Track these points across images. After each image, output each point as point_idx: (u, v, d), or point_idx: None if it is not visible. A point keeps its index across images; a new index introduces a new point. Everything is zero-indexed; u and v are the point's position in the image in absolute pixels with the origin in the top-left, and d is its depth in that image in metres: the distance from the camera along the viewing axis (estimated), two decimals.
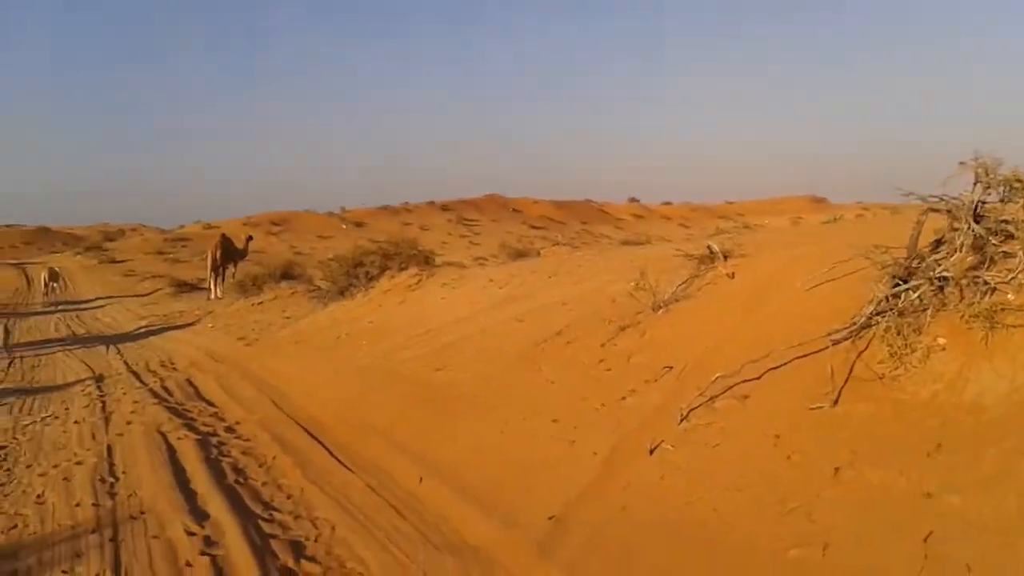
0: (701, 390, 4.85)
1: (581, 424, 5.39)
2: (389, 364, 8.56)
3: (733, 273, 6.67)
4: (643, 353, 6.12)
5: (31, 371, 11.64)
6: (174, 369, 11.11)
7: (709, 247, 7.25)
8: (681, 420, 4.73)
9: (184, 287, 25.04)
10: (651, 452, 4.59)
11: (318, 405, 7.89)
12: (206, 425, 7.62)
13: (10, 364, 12.26)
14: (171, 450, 6.73)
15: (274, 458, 6.38)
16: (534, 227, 72.55)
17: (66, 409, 8.67)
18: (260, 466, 6.25)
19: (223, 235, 22.40)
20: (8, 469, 6.43)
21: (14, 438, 7.47)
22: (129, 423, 7.79)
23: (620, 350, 6.37)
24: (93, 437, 7.35)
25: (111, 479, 6.02)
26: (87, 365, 11.87)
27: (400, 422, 6.77)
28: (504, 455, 5.43)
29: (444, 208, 74.42)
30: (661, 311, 6.65)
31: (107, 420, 7.99)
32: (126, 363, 11.99)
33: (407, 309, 10.82)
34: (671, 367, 5.57)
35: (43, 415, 8.35)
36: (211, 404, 8.59)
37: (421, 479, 5.35)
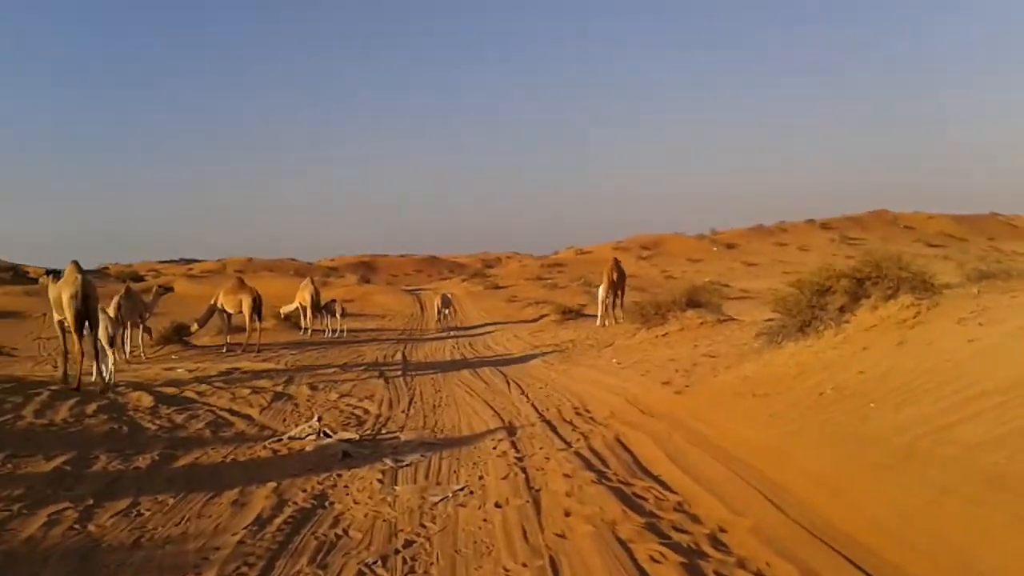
0: None
1: None
2: (947, 449, 5.37)
3: None
4: None
5: (432, 413, 10.19)
6: (592, 420, 8.91)
7: None
8: None
9: (569, 313, 23.79)
10: None
11: (848, 510, 4.99)
12: (678, 530, 5.08)
13: (410, 403, 10.99)
14: None
15: None
16: (931, 245, 63.37)
17: (480, 478, 6.71)
18: None
19: (615, 259, 20.51)
20: None
21: (422, 526, 5.53)
22: (568, 514, 5.52)
23: None
24: (525, 537, 5.15)
25: None
26: (492, 408, 10.17)
27: None
28: None
29: (824, 227, 68.14)
30: None
31: (537, 505, 5.81)
32: (534, 407, 10.11)
33: (916, 355, 7.49)
34: None
35: (454, 488, 6.42)
36: (666, 487, 6.10)
37: None
